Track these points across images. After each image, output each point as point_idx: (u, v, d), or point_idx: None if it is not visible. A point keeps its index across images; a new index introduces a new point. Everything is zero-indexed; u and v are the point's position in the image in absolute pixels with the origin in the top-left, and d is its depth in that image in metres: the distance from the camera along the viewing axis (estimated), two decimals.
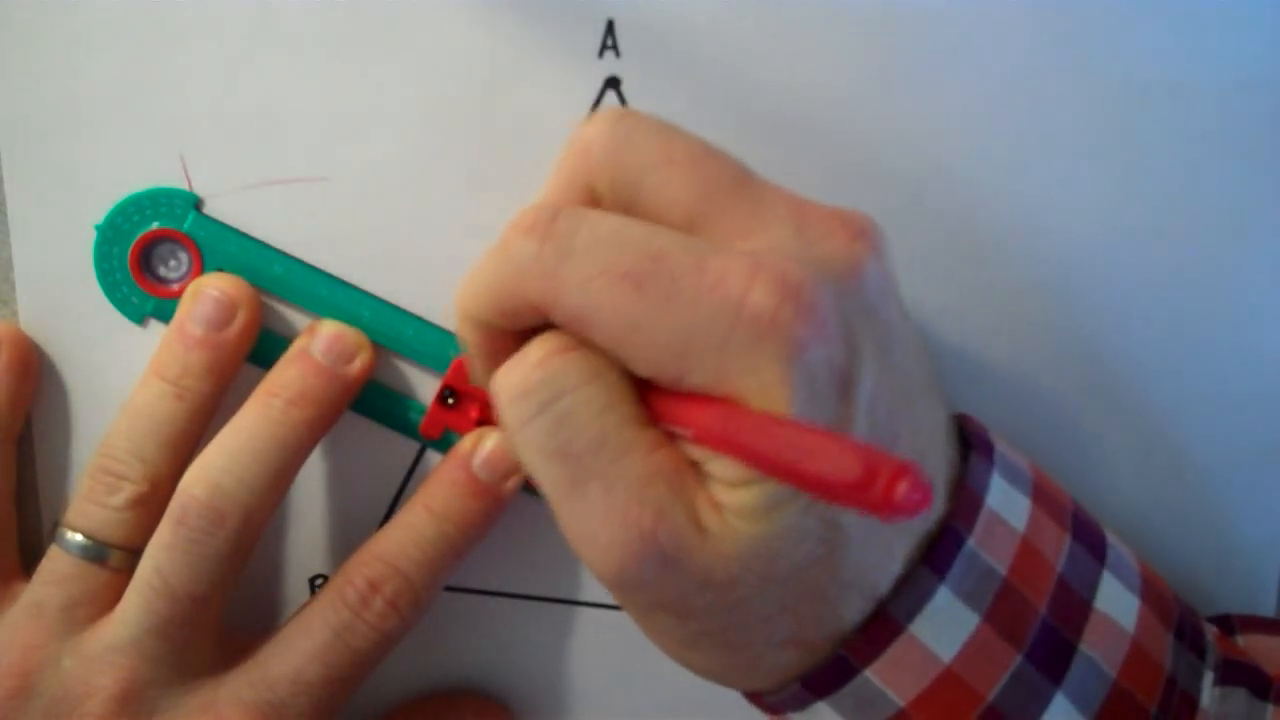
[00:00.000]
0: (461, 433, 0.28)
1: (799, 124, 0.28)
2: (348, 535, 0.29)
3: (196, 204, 0.28)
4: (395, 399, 0.29)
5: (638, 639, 0.30)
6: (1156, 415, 0.30)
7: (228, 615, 0.27)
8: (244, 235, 0.28)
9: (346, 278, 0.28)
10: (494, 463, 0.27)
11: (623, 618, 0.30)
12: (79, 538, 0.26)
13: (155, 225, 0.28)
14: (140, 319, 0.28)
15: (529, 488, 0.29)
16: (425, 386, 0.29)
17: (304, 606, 0.27)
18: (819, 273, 0.20)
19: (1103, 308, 0.29)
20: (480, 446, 0.27)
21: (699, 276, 0.20)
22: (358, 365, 0.27)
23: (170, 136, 0.28)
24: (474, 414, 0.28)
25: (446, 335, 0.28)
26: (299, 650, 0.26)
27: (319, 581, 0.30)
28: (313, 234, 0.28)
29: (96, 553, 0.26)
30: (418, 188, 0.28)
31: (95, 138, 0.27)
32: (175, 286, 0.28)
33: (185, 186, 0.28)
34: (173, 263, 0.28)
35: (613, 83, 0.27)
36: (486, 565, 0.30)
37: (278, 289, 0.28)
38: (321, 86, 0.27)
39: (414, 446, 0.29)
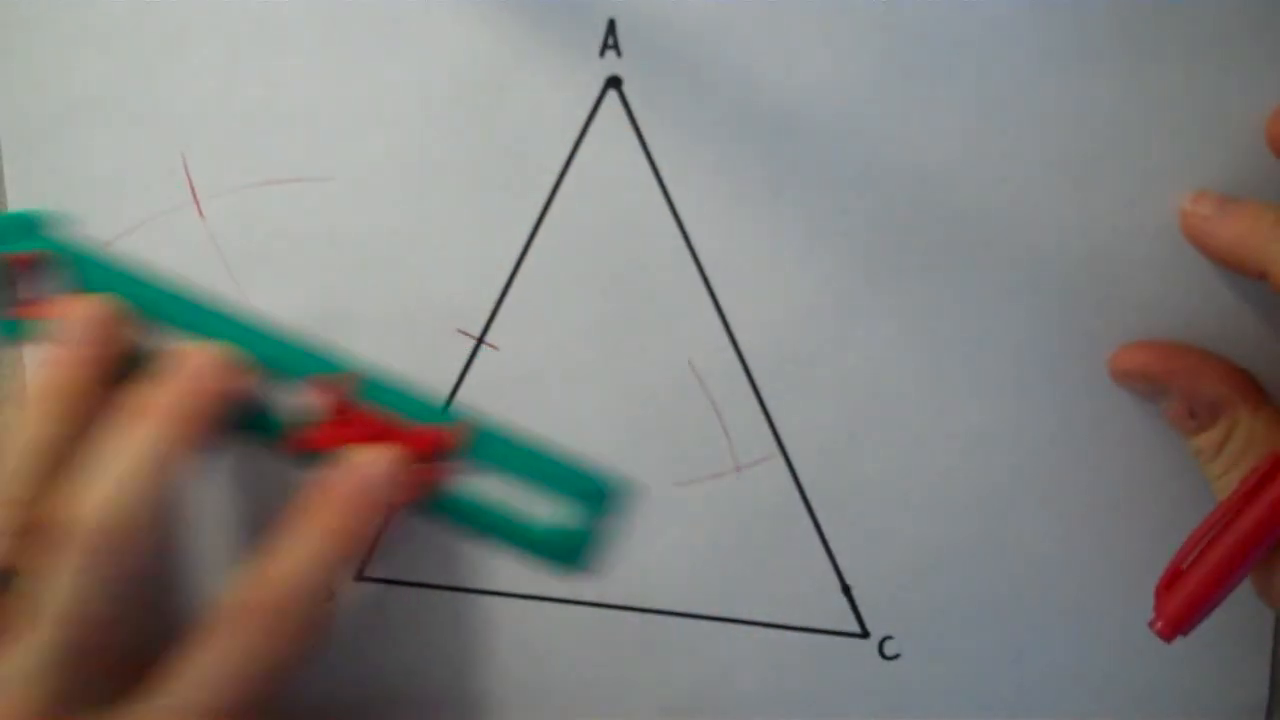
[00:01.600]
0: (341, 450, 0.27)
1: (799, 123, 0.28)
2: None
3: (63, 226, 0.27)
4: (271, 417, 0.27)
5: (637, 639, 0.30)
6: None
7: (131, 640, 0.26)
8: (110, 257, 0.27)
9: (346, 277, 0.28)
10: (374, 476, 0.27)
11: (621, 617, 0.30)
12: None
13: (22, 249, 0.27)
14: (12, 339, 0.28)
15: (419, 505, 0.28)
16: (303, 404, 0.27)
17: (200, 628, 0.26)
18: None
19: (1106, 308, 0.29)
20: (360, 461, 0.27)
21: None
22: (228, 383, 0.27)
23: (170, 136, 0.28)
24: (355, 431, 0.27)
25: (328, 356, 0.27)
26: (205, 674, 0.25)
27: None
28: (313, 234, 0.28)
29: None
30: (418, 187, 0.28)
31: (95, 138, 0.27)
32: (44, 308, 0.27)
33: (185, 186, 0.28)
34: (40, 284, 0.27)
35: (613, 82, 0.27)
36: (486, 565, 0.30)
37: (149, 310, 0.27)
38: (322, 86, 0.27)
39: (304, 464, 0.28)
